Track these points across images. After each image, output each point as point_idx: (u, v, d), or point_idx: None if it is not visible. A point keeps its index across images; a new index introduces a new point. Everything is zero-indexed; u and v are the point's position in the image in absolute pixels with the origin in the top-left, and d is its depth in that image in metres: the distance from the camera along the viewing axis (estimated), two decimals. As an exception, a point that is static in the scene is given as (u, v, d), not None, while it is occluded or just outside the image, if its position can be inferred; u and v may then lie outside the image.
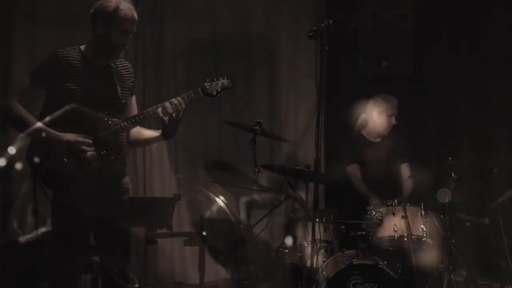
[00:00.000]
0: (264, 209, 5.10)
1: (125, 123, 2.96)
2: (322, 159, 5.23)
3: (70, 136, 2.85)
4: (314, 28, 3.40)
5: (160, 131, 3.06)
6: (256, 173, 4.65)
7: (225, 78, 3.08)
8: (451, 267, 4.15)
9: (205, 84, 3.04)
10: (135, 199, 2.96)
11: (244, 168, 5.25)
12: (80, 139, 2.86)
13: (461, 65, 5.30)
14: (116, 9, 2.88)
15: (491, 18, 5.15)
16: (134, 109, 3.17)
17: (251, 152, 4.79)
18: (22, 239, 3.76)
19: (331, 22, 3.35)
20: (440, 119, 5.51)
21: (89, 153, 2.87)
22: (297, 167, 4.20)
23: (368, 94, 5.03)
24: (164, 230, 3.37)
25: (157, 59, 4.76)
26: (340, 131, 5.33)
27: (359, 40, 5.18)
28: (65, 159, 2.86)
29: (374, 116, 4.82)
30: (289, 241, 4.28)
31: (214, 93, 3.04)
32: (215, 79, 3.06)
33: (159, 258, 4.83)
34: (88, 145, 2.87)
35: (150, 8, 4.67)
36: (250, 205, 4.71)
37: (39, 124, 2.85)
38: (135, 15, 2.95)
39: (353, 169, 4.80)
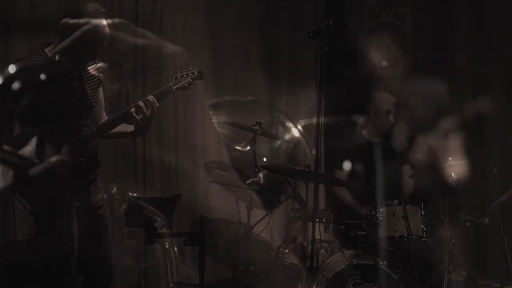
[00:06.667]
0: (264, 209, 5.11)
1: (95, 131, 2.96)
2: (322, 159, 5.24)
3: (53, 159, 2.73)
4: (314, 28, 3.40)
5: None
6: (256, 173, 4.66)
7: (195, 68, 3.10)
8: (451, 267, 4.16)
9: (176, 78, 3.05)
10: (135, 199, 2.97)
11: (244, 168, 5.26)
12: (63, 158, 2.76)
13: (461, 65, 5.30)
14: (85, 24, 2.83)
15: (490, 17, 5.15)
16: (101, 100, 3.15)
17: (251, 152, 4.80)
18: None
19: (331, 22, 3.35)
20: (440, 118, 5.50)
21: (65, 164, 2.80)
22: (297, 167, 4.20)
23: (368, 94, 5.01)
24: (164, 230, 3.36)
25: (157, 59, 4.75)
26: (340, 131, 5.33)
27: (359, 40, 5.19)
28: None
29: (372, 115, 4.84)
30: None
31: (186, 85, 3.05)
32: (184, 71, 3.06)
33: (159, 258, 4.83)
34: (68, 162, 2.80)
35: (150, 8, 4.67)
36: (250, 205, 4.72)
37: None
38: (107, 30, 2.90)
39: (342, 192, 4.81)
